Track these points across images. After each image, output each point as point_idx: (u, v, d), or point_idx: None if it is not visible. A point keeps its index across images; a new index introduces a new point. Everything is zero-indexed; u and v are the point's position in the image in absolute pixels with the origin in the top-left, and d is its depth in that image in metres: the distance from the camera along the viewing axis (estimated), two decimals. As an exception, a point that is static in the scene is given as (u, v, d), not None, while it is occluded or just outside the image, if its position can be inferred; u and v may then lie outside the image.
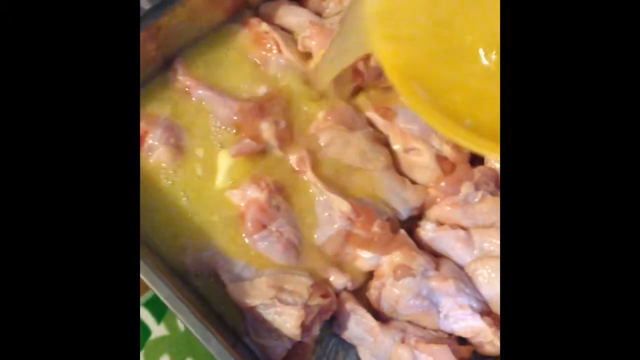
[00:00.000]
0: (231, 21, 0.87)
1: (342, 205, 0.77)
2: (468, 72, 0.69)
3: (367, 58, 0.84)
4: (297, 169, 0.81)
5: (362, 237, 0.77)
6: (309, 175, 0.79)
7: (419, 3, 0.70)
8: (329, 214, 0.78)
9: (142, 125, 0.77)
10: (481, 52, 0.69)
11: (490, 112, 0.61)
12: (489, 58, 0.68)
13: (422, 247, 0.81)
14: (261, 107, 0.81)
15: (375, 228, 0.76)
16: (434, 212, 0.82)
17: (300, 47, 0.85)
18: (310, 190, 0.80)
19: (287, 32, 0.88)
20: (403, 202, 0.82)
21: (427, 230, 0.80)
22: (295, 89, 0.85)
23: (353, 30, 0.71)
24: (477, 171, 0.82)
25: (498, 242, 0.78)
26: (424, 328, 0.76)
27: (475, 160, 0.84)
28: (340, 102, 0.84)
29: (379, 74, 0.85)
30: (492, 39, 0.65)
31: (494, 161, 0.83)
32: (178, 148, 0.78)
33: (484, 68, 0.69)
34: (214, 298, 0.74)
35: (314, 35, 0.84)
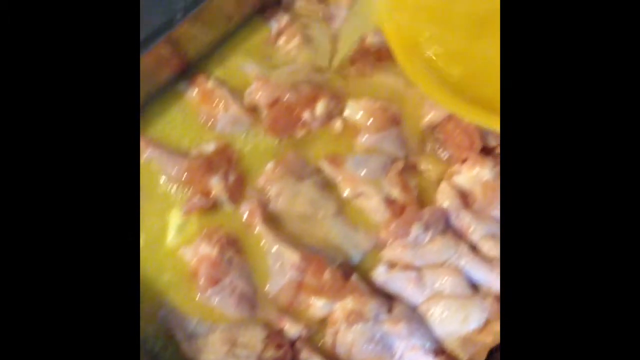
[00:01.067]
0: (179, 80, 0.88)
1: (292, 256, 0.78)
2: (472, 44, 0.73)
3: (312, 106, 0.86)
4: (248, 221, 0.81)
5: (313, 285, 0.78)
6: (259, 228, 0.81)
7: None
8: (281, 264, 0.79)
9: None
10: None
11: (490, 84, 0.64)
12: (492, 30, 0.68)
13: (376, 289, 0.81)
14: (210, 163, 0.83)
15: (326, 276, 0.78)
16: (386, 254, 0.83)
17: (247, 102, 0.87)
18: (262, 242, 0.81)
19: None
20: (354, 247, 0.83)
21: (379, 273, 0.82)
22: (243, 142, 0.86)
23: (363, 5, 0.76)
24: (426, 212, 0.83)
25: (449, 280, 0.80)
26: (381, 372, 0.76)
27: (424, 201, 0.86)
28: (288, 152, 0.85)
29: (327, 120, 0.87)
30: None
31: (442, 201, 0.85)
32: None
33: (487, 40, 0.71)
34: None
35: (260, 89, 0.86)
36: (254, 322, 0.77)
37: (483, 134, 0.88)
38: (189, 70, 0.89)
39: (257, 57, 0.92)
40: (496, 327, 0.79)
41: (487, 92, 0.68)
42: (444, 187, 0.87)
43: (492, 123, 0.66)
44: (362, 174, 0.85)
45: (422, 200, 0.87)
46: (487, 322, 0.79)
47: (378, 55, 0.94)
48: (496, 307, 0.78)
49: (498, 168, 0.86)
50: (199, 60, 0.90)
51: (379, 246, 0.84)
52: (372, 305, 0.77)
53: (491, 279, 0.81)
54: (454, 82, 0.71)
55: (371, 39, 0.93)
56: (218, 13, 0.87)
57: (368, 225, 0.85)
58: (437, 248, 0.82)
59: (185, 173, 0.82)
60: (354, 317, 0.77)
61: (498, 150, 0.91)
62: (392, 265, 0.83)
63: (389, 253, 0.83)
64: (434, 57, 0.72)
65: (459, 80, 0.71)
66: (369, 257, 0.85)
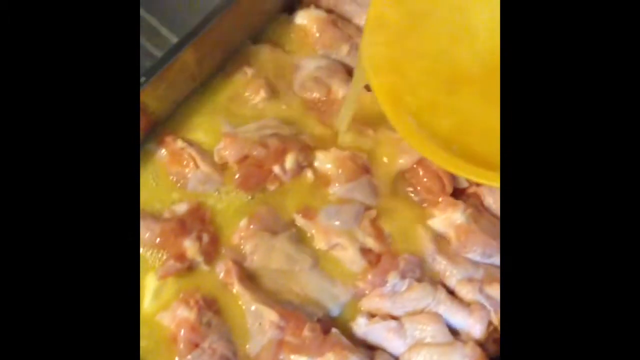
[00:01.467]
0: (147, 141, 0.88)
1: (271, 315, 0.78)
2: (459, 96, 0.73)
3: (282, 160, 0.86)
4: (224, 281, 0.81)
5: (294, 343, 0.78)
6: (236, 287, 0.80)
7: (413, 40, 0.76)
8: (260, 324, 0.79)
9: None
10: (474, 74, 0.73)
11: (479, 137, 0.66)
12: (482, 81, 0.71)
13: (357, 341, 0.81)
14: (183, 225, 0.82)
15: (306, 332, 0.78)
16: (364, 305, 0.83)
17: (216, 159, 0.87)
18: (240, 302, 0.80)
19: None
20: (333, 299, 0.83)
21: (359, 325, 0.82)
22: (216, 200, 0.86)
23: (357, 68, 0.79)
24: (402, 259, 0.84)
25: (429, 327, 0.80)
26: None
27: (400, 248, 0.88)
28: (261, 207, 0.85)
29: (298, 172, 0.87)
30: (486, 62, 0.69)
31: (417, 247, 0.87)
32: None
33: (475, 92, 0.72)
34: None
35: (228, 146, 0.86)
36: (237, 383, 0.76)
37: (454, 176, 0.88)
38: (156, 130, 0.89)
39: (224, 112, 0.92)
40: (478, 371, 0.78)
41: (477, 147, 0.68)
42: (418, 233, 0.87)
43: (490, 179, 0.67)
44: (336, 224, 0.86)
45: (397, 246, 0.86)
46: (469, 368, 0.79)
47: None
48: (477, 352, 0.78)
49: (470, 210, 0.87)
50: (166, 119, 0.90)
51: (358, 296, 0.84)
52: (352, 359, 0.77)
53: (470, 324, 0.81)
54: (444, 136, 0.71)
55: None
56: (182, 73, 0.87)
57: (345, 276, 0.85)
58: (415, 295, 0.82)
59: (159, 237, 0.81)
60: (336, 372, 0.76)
61: (470, 191, 0.91)
62: (371, 315, 0.83)
63: (367, 303, 0.83)
64: (418, 110, 0.72)
65: (447, 135, 0.71)
66: (348, 309, 0.85)
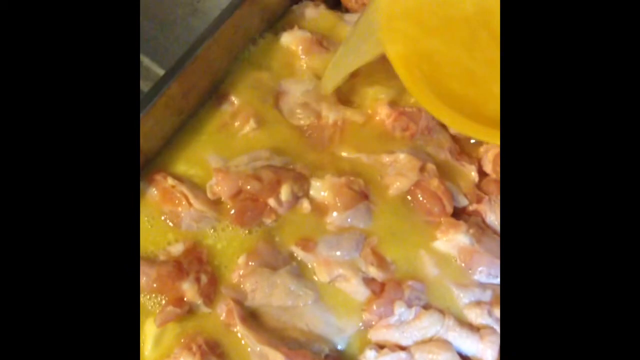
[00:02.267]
0: (136, 181, 0.85)
1: (276, 356, 0.76)
2: (476, 59, 0.72)
3: (277, 192, 0.83)
4: (226, 322, 0.79)
5: (302, 383, 0.75)
6: (239, 328, 0.78)
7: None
8: (266, 365, 0.77)
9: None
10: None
11: (489, 99, 0.66)
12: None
13: (368, 375, 0.79)
14: (179, 267, 0.80)
15: (313, 371, 0.75)
16: (372, 336, 0.81)
17: (209, 195, 0.84)
18: (244, 343, 0.78)
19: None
20: (339, 332, 0.81)
21: (368, 358, 0.80)
22: (212, 238, 0.83)
23: (365, 31, 0.77)
24: (407, 287, 0.82)
25: (439, 356, 0.78)
26: None
27: (405, 274, 0.86)
28: (259, 242, 0.83)
29: (294, 203, 0.85)
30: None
31: (422, 271, 0.86)
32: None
33: (488, 56, 0.71)
34: None
35: (221, 182, 0.83)
36: None
37: (452, 195, 0.86)
38: (146, 168, 0.87)
39: (214, 145, 0.89)
40: (492, 399, 0.77)
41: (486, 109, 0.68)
42: (421, 257, 0.85)
43: (492, 138, 0.67)
44: (336, 255, 0.84)
45: (401, 273, 0.84)
46: (482, 395, 0.77)
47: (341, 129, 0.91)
48: (489, 379, 0.77)
49: (473, 230, 0.85)
50: (155, 156, 0.87)
51: (364, 328, 0.82)
52: (363, 395, 0.75)
53: (481, 350, 0.80)
54: (454, 96, 0.71)
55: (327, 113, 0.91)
56: (169, 108, 0.85)
57: (350, 308, 0.83)
58: (423, 324, 0.81)
59: (155, 282, 0.78)
60: (348, 411, 0.74)
61: (471, 209, 0.89)
62: (380, 347, 0.81)
63: (375, 335, 0.81)
64: (431, 71, 0.73)
65: (458, 95, 0.71)
66: (355, 341, 0.83)
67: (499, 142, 0.59)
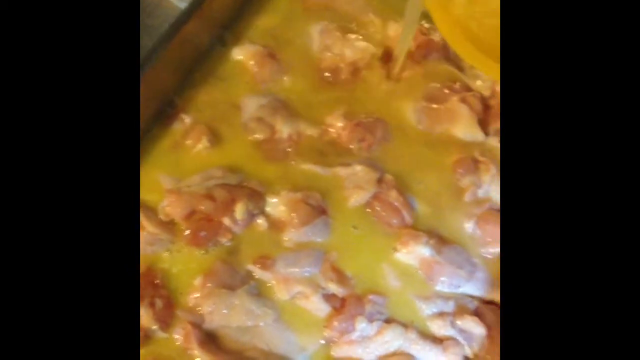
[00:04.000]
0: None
1: (235, 379, 0.73)
2: None
3: (231, 210, 0.81)
4: (184, 346, 0.77)
5: (262, 406, 0.74)
6: (197, 352, 0.76)
7: None
8: (225, 389, 0.75)
9: None
10: None
11: None
12: None
13: (331, 392, 0.77)
14: (133, 293, 0.77)
15: (273, 393, 0.73)
16: (334, 353, 0.79)
17: (162, 217, 0.82)
18: (202, 367, 0.76)
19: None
20: (300, 351, 0.80)
21: (331, 376, 0.78)
22: (167, 260, 0.81)
23: None
24: (367, 302, 0.81)
25: (404, 369, 0.76)
26: None
27: (365, 288, 0.84)
28: (215, 263, 0.81)
29: (250, 221, 0.83)
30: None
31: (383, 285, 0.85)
32: None
33: None
34: None
35: (173, 203, 0.82)
36: None
37: (411, 206, 0.85)
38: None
39: (166, 166, 0.87)
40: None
41: None
42: (382, 270, 0.84)
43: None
44: (295, 272, 0.82)
45: (362, 287, 0.83)
46: (447, 407, 0.76)
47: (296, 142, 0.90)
48: (454, 390, 0.75)
49: (433, 241, 0.84)
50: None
51: (326, 344, 0.80)
52: (325, 412, 0.73)
53: (445, 361, 0.78)
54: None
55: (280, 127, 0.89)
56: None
57: (311, 325, 0.82)
58: (386, 338, 0.80)
59: (109, 309, 0.76)
60: None
61: (432, 220, 0.88)
62: (343, 363, 0.79)
63: (337, 351, 0.80)
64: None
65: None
66: (317, 359, 0.81)
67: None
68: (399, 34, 0.92)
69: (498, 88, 0.96)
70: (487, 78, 0.97)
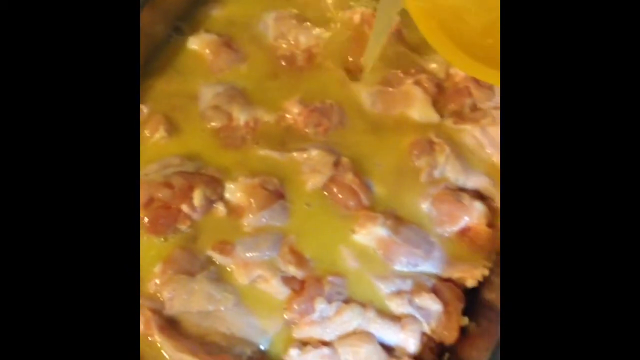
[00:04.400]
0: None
1: (196, 364, 0.74)
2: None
3: (190, 197, 0.82)
4: (145, 332, 0.77)
5: (224, 387, 0.74)
6: (157, 338, 0.77)
7: None
8: (187, 374, 0.75)
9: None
10: None
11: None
12: None
13: (292, 374, 0.78)
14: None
15: (235, 375, 0.74)
16: (295, 335, 0.80)
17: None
18: (164, 352, 0.77)
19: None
20: (261, 334, 0.81)
21: (292, 357, 0.79)
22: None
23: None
24: (326, 283, 0.82)
25: (362, 349, 0.78)
26: None
27: (325, 270, 0.85)
28: (174, 249, 0.82)
29: (209, 207, 0.84)
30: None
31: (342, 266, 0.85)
32: None
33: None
34: None
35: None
36: None
37: (368, 188, 0.87)
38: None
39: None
40: (417, 385, 0.77)
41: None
42: (340, 252, 0.85)
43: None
44: (255, 256, 0.82)
45: (321, 269, 0.84)
46: (407, 384, 0.77)
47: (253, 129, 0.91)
48: (413, 366, 0.77)
49: (390, 221, 0.85)
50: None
51: (287, 327, 0.81)
52: (286, 394, 0.74)
53: (402, 339, 0.80)
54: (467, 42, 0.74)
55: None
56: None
57: (271, 308, 0.83)
58: (345, 318, 0.81)
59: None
60: (271, 410, 0.74)
61: (388, 202, 0.89)
62: (304, 344, 0.80)
63: (298, 333, 0.81)
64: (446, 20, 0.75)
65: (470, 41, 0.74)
66: (279, 341, 0.82)
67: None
68: (356, 19, 0.93)
69: (452, 71, 0.96)
70: (442, 61, 0.98)
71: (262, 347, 0.80)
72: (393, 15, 0.82)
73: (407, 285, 0.84)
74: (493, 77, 0.69)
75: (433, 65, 0.98)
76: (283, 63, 0.96)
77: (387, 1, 0.81)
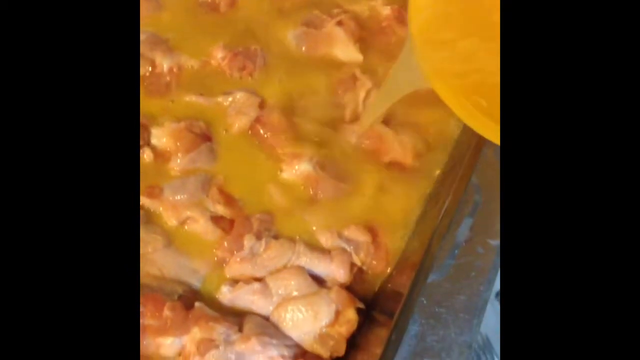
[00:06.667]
0: None
1: (125, 302, 0.74)
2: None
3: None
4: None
5: (155, 325, 0.75)
6: (88, 282, 0.76)
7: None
8: (118, 314, 0.76)
9: None
10: None
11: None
12: None
13: (226, 311, 0.79)
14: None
15: (166, 312, 0.75)
16: (227, 273, 0.81)
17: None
18: (94, 296, 0.77)
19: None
20: (193, 273, 0.81)
21: (224, 294, 0.80)
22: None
23: (404, 66, 0.75)
24: (255, 220, 0.82)
25: (292, 282, 0.79)
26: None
27: (254, 208, 0.86)
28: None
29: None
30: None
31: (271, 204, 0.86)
32: None
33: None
34: None
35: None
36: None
37: (292, 127, 0.87)
38: None
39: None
40: (348, 315, 0.78)
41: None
42: (268, 190, 0.86)
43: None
44: (183, 198, 0.83)
45: (250, 209, 0.85)
46: (337, 313, 0.79)
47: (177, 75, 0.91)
48: (342, 295, 0.78)
49: (316, 158, 0.86)
50: None
51: (219, 266, 0.82)
52: (220, 329, 0.75)
53: (333, 270, 0.81)
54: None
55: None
56: None
57: (202, 248, 0.83)
58: (274, 253, 0.81)
59: None
60: (205, 345, 0.75)
61: (315, 139, 0.90)
62: (235, 282, 0.80)
63: (230, 271, 0.82)
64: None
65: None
66: (211, 280, 0.83)
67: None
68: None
69: (375, 11, 0.97)
70: (365, 2, 0.98)
71: (194, 287, 0.80)
72: (405, 89, 0.79)
73: (335, 218, 0.85)
74: None
75: (356, 7, 0.98)
76: (205, 8, 0.96)
77: (402, 75, 0.78)
